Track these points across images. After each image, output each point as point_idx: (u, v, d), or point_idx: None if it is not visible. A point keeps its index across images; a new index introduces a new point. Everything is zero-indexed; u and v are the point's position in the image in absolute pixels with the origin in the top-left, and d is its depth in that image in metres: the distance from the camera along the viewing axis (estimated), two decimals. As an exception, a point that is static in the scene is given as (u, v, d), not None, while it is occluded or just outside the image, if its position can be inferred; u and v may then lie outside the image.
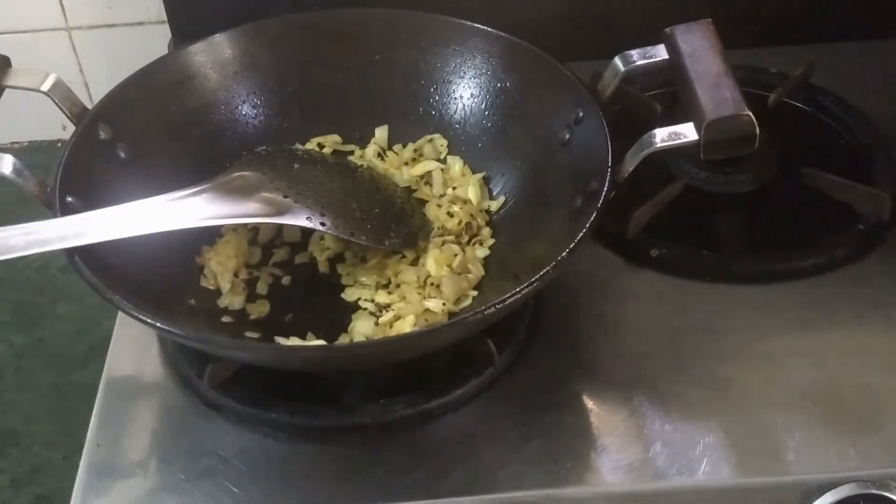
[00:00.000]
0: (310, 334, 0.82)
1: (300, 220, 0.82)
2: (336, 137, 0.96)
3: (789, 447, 0.75)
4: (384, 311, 0.83)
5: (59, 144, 1.23)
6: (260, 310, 0.85)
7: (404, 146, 0.96)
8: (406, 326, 0.81)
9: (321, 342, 0.81)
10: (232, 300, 0.85)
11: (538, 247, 0.82)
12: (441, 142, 0.95)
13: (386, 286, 0.86)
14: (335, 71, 0.95)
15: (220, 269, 0.86)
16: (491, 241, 0.88)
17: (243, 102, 0.94)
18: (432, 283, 0.84)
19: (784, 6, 1.10)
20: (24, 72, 0.83)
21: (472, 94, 0.93)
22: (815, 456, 0.75)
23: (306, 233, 0.90)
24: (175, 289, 0.83)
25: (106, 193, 0.82)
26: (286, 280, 0.88)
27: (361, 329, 0.82)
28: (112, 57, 1.18)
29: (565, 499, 0.74)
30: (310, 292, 0.87)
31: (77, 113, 0.84)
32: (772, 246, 0.90)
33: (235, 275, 0.87)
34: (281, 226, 0.90)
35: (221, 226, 0.90)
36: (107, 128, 0.85)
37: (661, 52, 0.82)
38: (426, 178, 0.94)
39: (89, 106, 0.85)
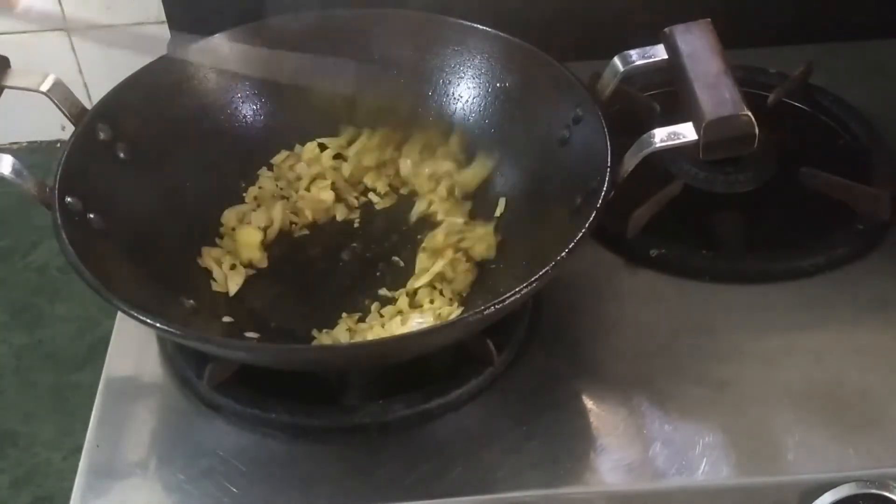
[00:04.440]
0: (314, 331, 0.82)
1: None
2: (341, 142, 0.96)
3: (789, 447, 0.75)
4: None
5: (59, 145, 1.22)
6: (261, 307, 0.85)
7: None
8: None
9: (321, 342, 0.81)
10: (234, 292, 0.86)
11: (537, 246, 0.82)
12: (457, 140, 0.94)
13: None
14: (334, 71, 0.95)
15: (225, 268, 0.86)
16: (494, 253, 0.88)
17: (242, 103, 0.94)
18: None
19: (783, 6, 1.10)
20: (23, 72, 0.82)
21: (471, 94, 0.93)
22: (814, 456, 0.75)
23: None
24: (175, 289, 0.83)
25: (105, 194, 0.83)
26: (286, 280, 0.88)
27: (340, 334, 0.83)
28: (111, 57, 1.18)
29: (565, 499, 0.74)
30: (309, 291, 0.87)
31: (76, 113, 0.84)
32: (771, 246, 0.90)
33: (233, 268, 0.87)
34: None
35: (221, 225, 0.90)
36: (106, 128, 0.85)
37: (660, 52, 0.82)
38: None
39: (88, 106, 0.85)
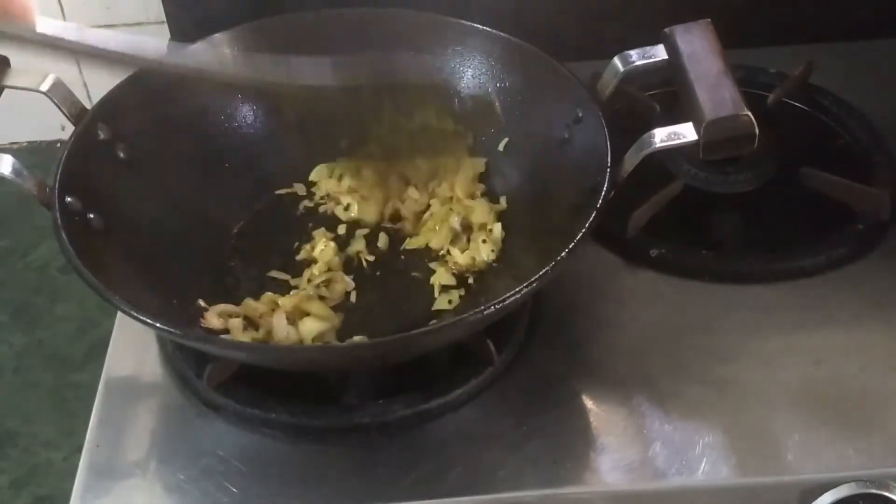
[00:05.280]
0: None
1: None
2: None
3: (788, 447, 0.75)
4: None
5: (59, 145, 1.22)
6: None
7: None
8: None
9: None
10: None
11: (538, 246, 0.82)
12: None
13: None
14: (334, 71, 0.95)
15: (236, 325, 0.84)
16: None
17: (242, 103, 0.94)
18: None
19: (783, 6, 1.10)
20: (23, 72, 0.82)
21: (471, 94, 0.93)
22: (814, 455, 0.75)
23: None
24: (174, 288, 0.83)
25: (105, 193, 0.83)
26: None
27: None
28: (111, 57, 1.18)
29: (565, 499, 0.74)
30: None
31: (76, 113, 0.84)
32: (771, 246, 0.90)
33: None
34: None
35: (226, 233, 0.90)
36: (106, 128, 0.85)
37: (660, 53, 0.82)
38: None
39: (88, 106, 0.85)
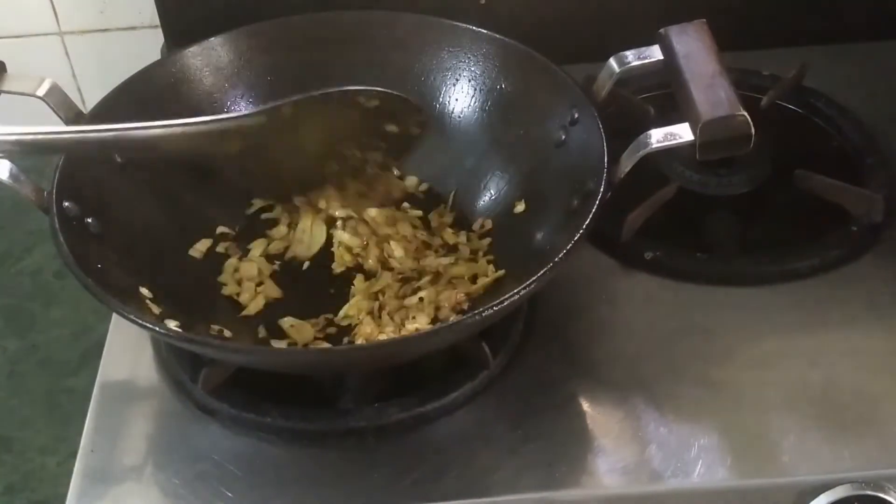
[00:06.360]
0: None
1: None
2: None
3: (784, 449, 0.75)
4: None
5: (54, 149, 1.22)
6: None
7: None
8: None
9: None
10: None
11: (534, 249, 0.82)
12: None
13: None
14: (330, 73, 0.95)
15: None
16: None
17: (238, 105, 0.94)
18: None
19: (777, 8, 1.10)
20: (19, 77, 0.82)
21: (467, 96, 0.93)
22: (809, 457, 0.75)
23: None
24: (172, 289, 0.83)
25: (102, 198, 0.82)
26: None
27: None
28: (105, 61, 1.18)
29: (561, 502, 0.74)
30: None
31: (73, 117, 0.84)
32: (765, 248, 0.90)
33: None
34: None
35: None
36: (102, 132, 0.85)
37: (655, 53, 0.82)
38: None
39: (84, 110, 0.85)
